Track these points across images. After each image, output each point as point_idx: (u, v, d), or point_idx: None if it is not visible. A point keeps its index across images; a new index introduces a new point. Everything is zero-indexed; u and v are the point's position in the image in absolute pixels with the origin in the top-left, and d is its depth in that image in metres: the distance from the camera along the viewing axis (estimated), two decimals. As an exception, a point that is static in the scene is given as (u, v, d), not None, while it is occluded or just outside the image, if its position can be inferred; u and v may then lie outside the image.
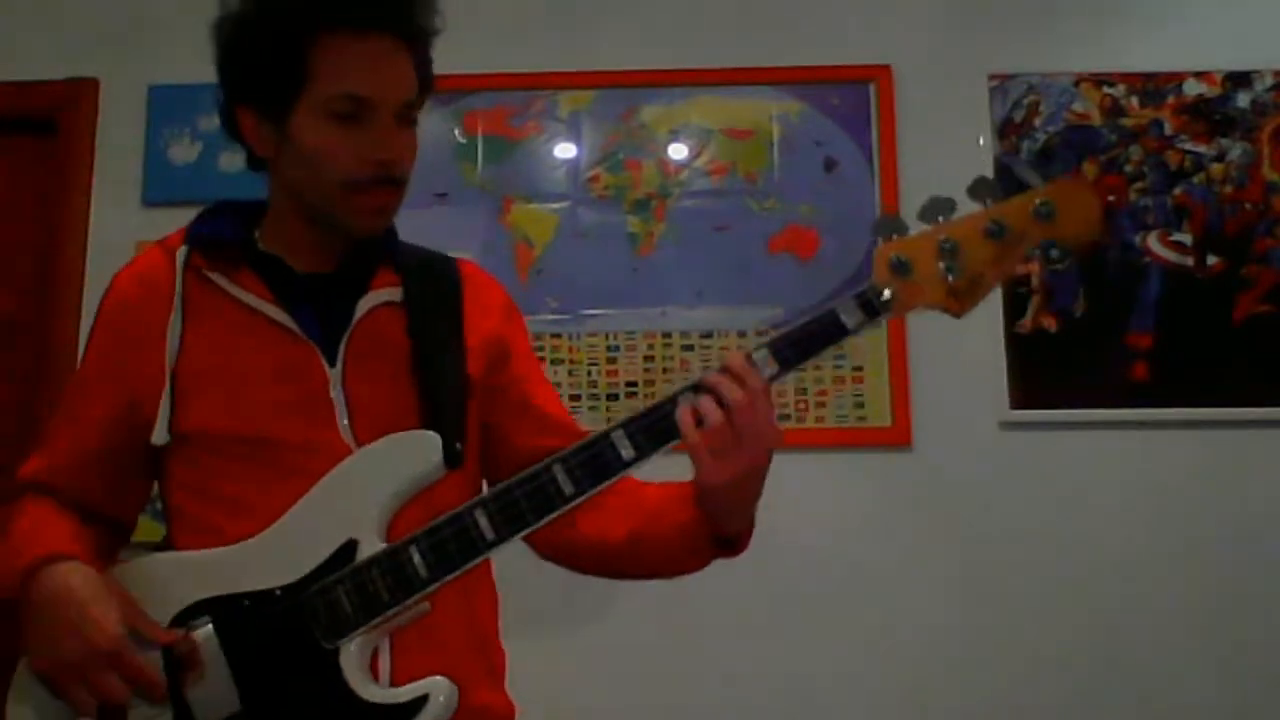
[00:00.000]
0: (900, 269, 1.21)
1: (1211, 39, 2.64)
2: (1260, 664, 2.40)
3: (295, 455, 1.23)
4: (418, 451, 1.21)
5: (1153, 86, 2.62)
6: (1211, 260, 2.55)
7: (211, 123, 2.59)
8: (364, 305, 1.31)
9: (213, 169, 2.60)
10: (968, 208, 1.21)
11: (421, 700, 1.14)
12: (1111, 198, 2.58)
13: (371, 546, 1.18)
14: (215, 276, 1.30)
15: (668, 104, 2.65)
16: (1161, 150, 2.60)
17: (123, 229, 2.56)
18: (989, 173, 2.56)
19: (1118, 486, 2.48)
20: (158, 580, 1.21)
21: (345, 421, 1.25)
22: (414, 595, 1.16)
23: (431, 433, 1.22)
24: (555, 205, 2.62)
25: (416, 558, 1.16)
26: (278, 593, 1.18)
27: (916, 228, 1.21)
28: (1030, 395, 2.49)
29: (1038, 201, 1.20)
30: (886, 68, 2.64)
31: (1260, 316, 2.53)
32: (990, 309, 2.43)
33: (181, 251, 1.31)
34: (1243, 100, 2.61)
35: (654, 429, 1.20)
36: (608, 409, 2.50)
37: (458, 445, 1.25)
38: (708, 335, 2.55)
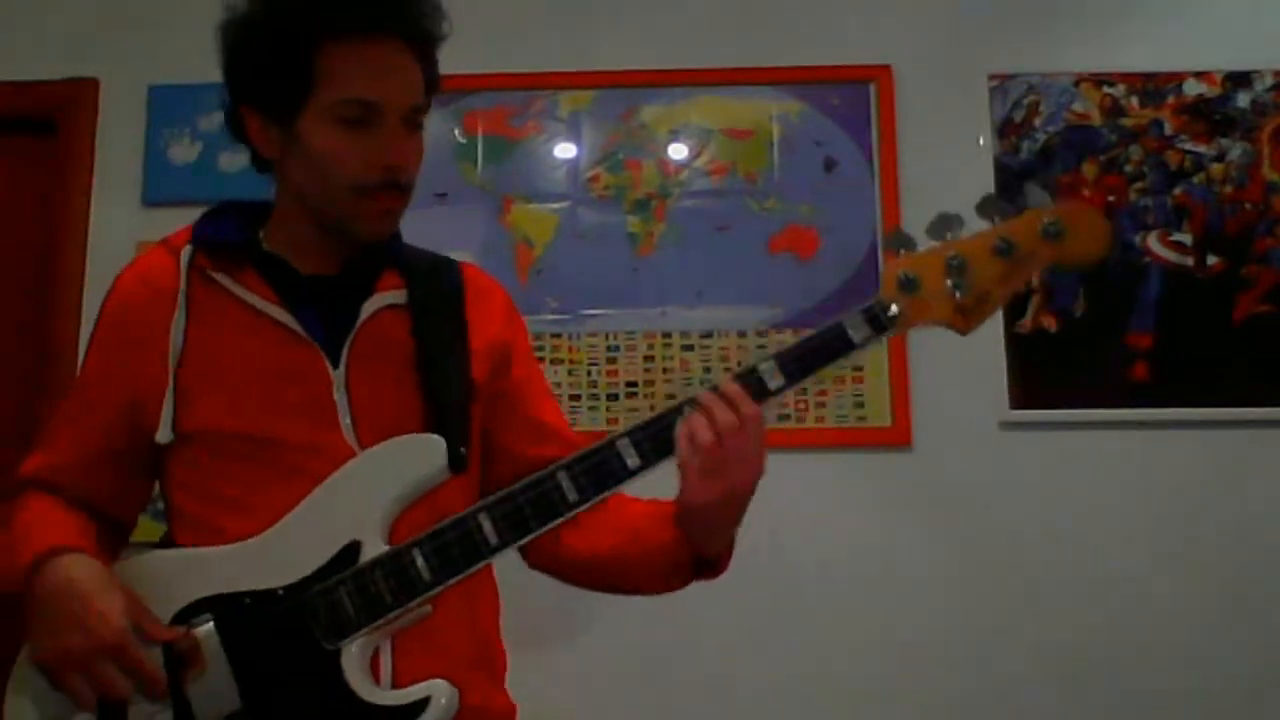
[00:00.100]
0: (908, 285, 1.22)
1: (1211, 39, 2.64)
2: (1260, 664, 2.40)
3: (297, 456, 1.23)
4: (422, 455, 1.21)
5: (1153, 86, 2.62)
6: (1211, 260, 2.55)
7: (211, 122, 2.64)
8: (369, 307, 1.31)
9: (213, 169, 2.60)
10: (973, 224, 1.22)
11: (423, 703, 1.14)
12: (1111, 198, 2.58)
13: (374, 548, 1.18)
14: (219, 277, 1.30)
15: (668, 104, 2.65)
16: (1161, 150, 2.60)
17: (123, 229, 2.56)
18: (989, 172, 2.57)
19: (1118, 486, 2.48)
20: (159, 577, 1.21)
21: (348, 423, 1.26)
22: (416, 598, 1.17)
23: (436, 436, 1.22)
24: (555, 205, 2.62)
25: (420, 560, 1.17)
26: (280, 592, 1.18)
27: (925, 244, 1.23)
28: (1030, 395, 2.49)
29: (1046, 221, 1.21)
30: (886, 68, 2.63)
31: (1260, 316, 2.53)
32: (990, 309, 2.43)
33: (186, 251, 1.31)
34: (1243, 100, 2.61)
35: (659, 438, 1.20)
36: (608, 409, 2.50)
37: (462, 449, 1.25)
38: (708, 335, 2.55)
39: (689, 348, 2.55)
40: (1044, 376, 2.50)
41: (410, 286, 1.34)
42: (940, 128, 2.60)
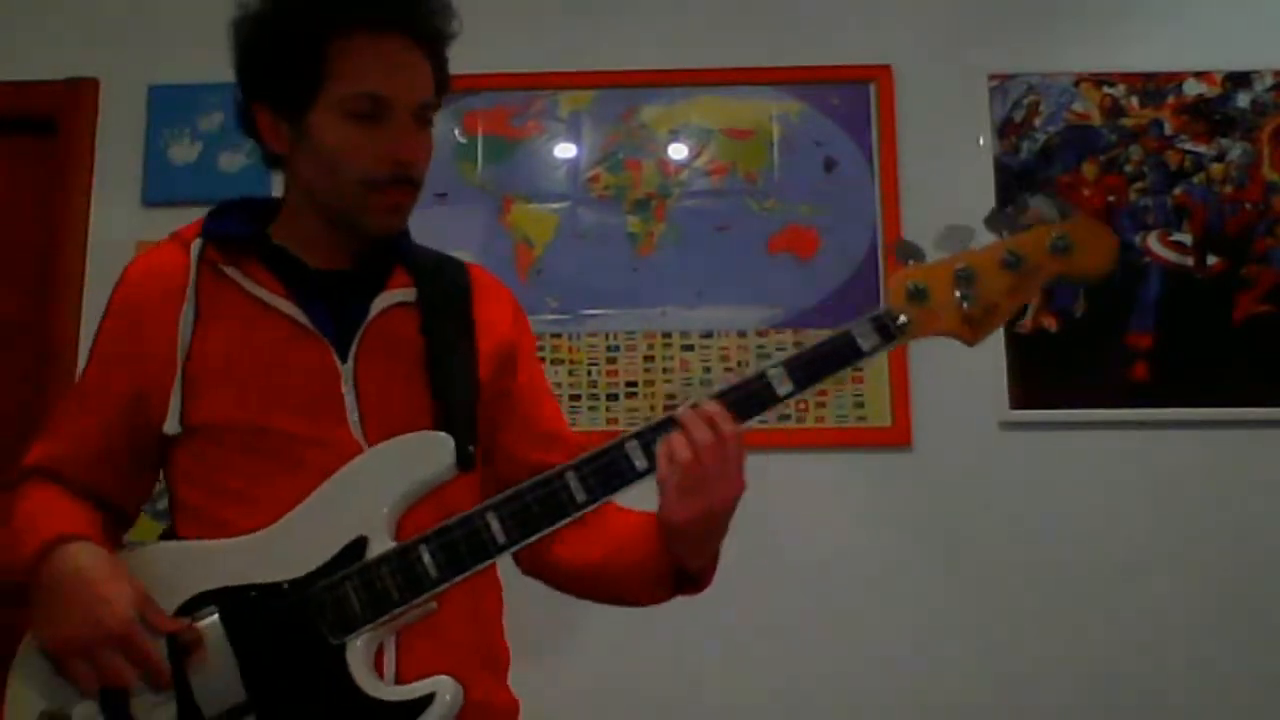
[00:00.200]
0: (917, 295, 1.23)
1: (1211, 39, 2.64)
2: (1260, 664, 2.40)
3: (303, 449, 1.23)
4: (430, 452, 1.22)
5: (1153, 86, 2.62)
6: (1211, 260, 2.55)
7: (211, 122, 2.64)
8: (379, 304, 1.32)
9: (213, 169, 2.60)
10: (981, 236, 1.23)
11: (428, 699, 1.14)
12: (1111, 198, 2.58)
13: (381, 545, 1.18)
14: (229, 270, 1.30)
15: (668, 104, 2.65)
16: (1161, 150, 2.60)
17: (123, 229, 2.56)
18: (989, 172, 2.57)
19: (1118, 486, 2.48)
20: (163, 569, 1.21)
21: (355, 418, 1.26)
22: (423, 595, 1.17)
23: (445, 434, 1.22)
24: (555, 205, 2.62)
25: (426, 557, 1.17)
26: (285, 586, 1.18)
27: (933, 254, 1.24)
28: (1030, 395, 2.49)
29: (1055, 235, 1.23)
30: (886, 68, 2.64)
31: (1260, 316, 2.53)
32: (990, 309, 2.43)
33: (196, 244, 1.32)
34: (1243, 100, 2.61)
35: None
36: (608, 409, 2.50)
37: (470, 448, 1.26)
38: (708, 335, 2.55)
39: (689, 348, 2.55)
40: (1044, 376, 2.50)
41: (419, 284, 1.35)
42: (940, 128, 2.60)
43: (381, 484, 1.20)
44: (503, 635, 1.37)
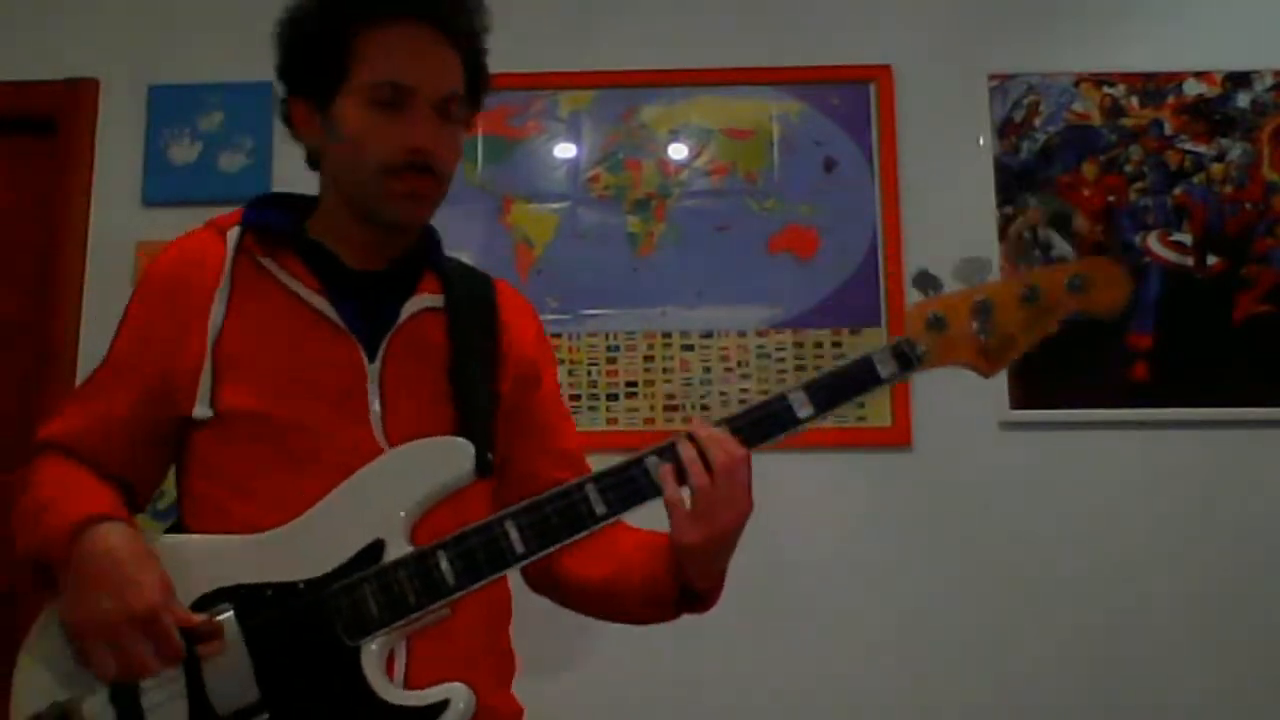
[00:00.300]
0: (936, 324, 1.27)
1: (1211, 39, 2.64)
2: (1261, 664, 2.40)
3: (322, 445, 1.23)
4: (451, 457, 1.22)
5: (1153, 86, 2.62)
6: (1211, 260, 2.55)
7: (211, 122, 2.65)
8: (409, 307, 1.33)
9: (212, 169, 2.60)
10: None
11: (441, 705, 1.14)
12: (1111, 198, 2.58)
13: (399, 548, 1.18)
14: (266, 261, 1.31)
15: (668, 104, 2.65)
16: (1161, 150, 2.60)
17: (123, 229, 2.56)
18: (989, 172, 2.57)
19: (1118, 486, 2.48)
20: (178, 563, 1.20)
21: (378, 419, 1.26)
22: (439, 601, 1.17)
23: (465, 440, 1.23)
24: (555, 205, 2.62)
25: (444, 564, 1.17)
26: (301, 586, 1.18)
27: (951, 286, 1.29)
28: (1030, 395, 2.49)
29: (1072, 273, 1.29)
30: (886, 68, 2.64)
31: (1260, 316, 2.53)
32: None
33: (234, 233, 1.32)
34: (1243, 100, 2.61)
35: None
36: (608, 409, 2.50)
37: (489, 455, 1.27)
38: (708, 335, 2.55)
39: (689, 348, 2.55)
40: (1044, 376, 2.50)
41: (447, 291, 1.36)
42: (940, 128, 2.60)
43: (401, 487, 1.21)
44: (510, 642, 1.38)
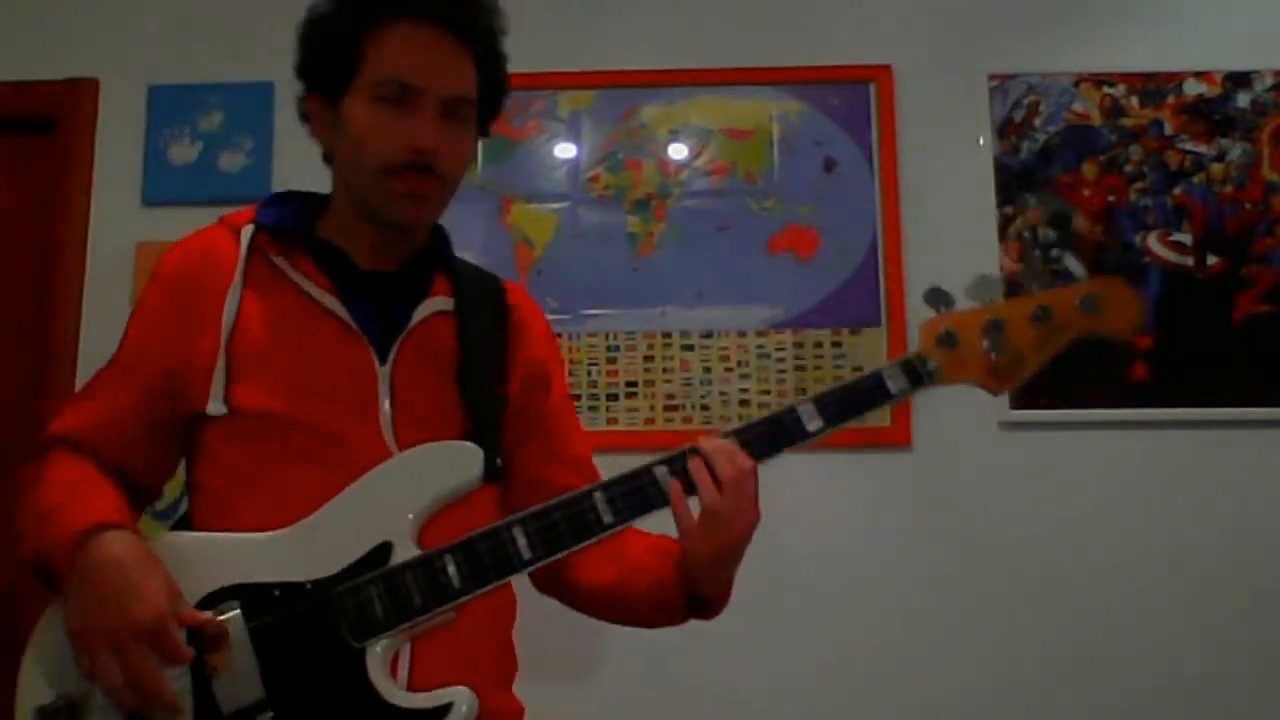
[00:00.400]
0: (947, 341, 1.28)
1: (1211, 39, 2.64)
2: (1261, 664, 2.40)
3: (330, 446, 1.24)
4: (460, 462, 1.23)
5: (1153, 86, 2.62)
6: (1211, 260, 2.55)
7: (211, 122, 2.65)
8: (421, 311, 1.33)
9: (212, 169, 2.59)
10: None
11: (445, 708, 1.15)
12: (1111, 198, 2.58)
13: (406, 551, 1.19)
14: (278, 260, 1.31)
15: (668, 104, 2.65)
16: (1161, 150, 2.60)
17: (123, 229, 2.56)
18: (989, 172, 2.57)
19: (1118, 486, 2.48)
20: (184, 560, 1.20)
21: (387, 421, 1.26)
22: (445, 604, 1.18)
23: (474, 445, 1.23)
24: (555, 205, 2.62)
25: (451, 568, 1.18)
26: (308, 586, 1.18)
27: (963, 303, 1.29)
28: (1030, 395, 2.49)
29: (1084, 294, 1.30)
30: (886, 68, 2.64)
31: (1260, 316, 2.53)
32: (990, 309, 2.43)
33: (248, 230, 1.32)
34: (1243, 100, 2.61)
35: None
36: (608, 409, 2.50)
37: (496, 460, 1.27)
38: (708, 335, 2.55)
39: (689, 348, 2.55)
40: (1044, 376, 2.49)
41: (458, 294, 1.36)
42: (940, 128, 2.60)
43: (410, 490, 1.21)
44: (513, 644, 1.38)
